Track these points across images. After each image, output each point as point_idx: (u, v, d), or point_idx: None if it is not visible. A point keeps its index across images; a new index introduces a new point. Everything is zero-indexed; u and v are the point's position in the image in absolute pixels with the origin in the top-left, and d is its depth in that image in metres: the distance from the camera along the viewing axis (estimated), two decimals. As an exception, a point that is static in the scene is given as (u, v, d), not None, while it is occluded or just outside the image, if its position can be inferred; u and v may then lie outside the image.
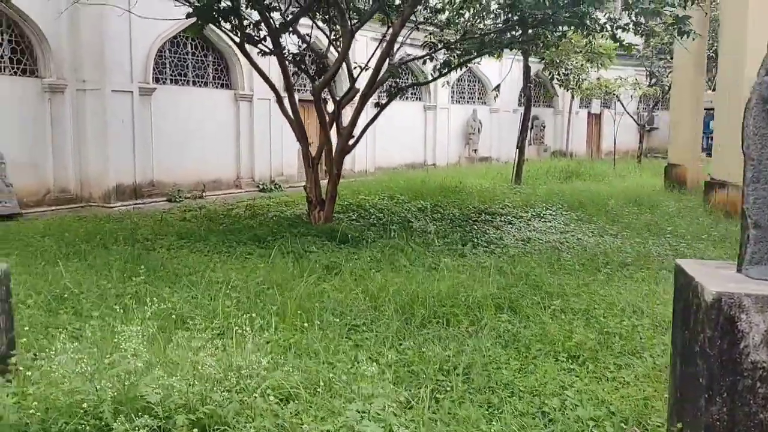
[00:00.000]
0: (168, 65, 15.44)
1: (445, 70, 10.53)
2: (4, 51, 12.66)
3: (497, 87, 16.62)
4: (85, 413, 3.22)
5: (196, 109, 15.82)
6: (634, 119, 27.05)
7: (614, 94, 23.46)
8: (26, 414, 3.26)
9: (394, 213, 12.52)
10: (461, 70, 14.95)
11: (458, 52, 10.37)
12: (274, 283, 6.51)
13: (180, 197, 15.06)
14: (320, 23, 11.58)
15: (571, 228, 10.96)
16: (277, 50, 10.00)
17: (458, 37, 10.43)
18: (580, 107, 30.52)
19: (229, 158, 16.99)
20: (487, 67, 23.94)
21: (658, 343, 4.72)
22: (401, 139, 22.84)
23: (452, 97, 25.55)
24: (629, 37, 10.50)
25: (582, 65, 18.91)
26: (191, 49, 16.02)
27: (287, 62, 10.46)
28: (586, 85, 19.24)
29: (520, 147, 18.17)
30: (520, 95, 28.50)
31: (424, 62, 10.99)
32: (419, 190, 15.73)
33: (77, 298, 5.76)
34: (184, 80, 15.89)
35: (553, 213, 12.67)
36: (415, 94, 23.75)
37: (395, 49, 10.58)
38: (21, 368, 3.98)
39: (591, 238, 9.86)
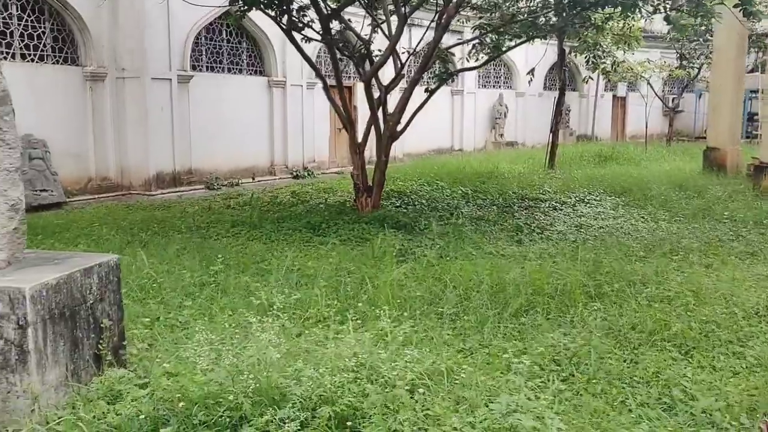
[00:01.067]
0: (204, 52, 15.41)
1: (495, 55, 10.43)
2: (46, 40, 12.66)
3: (532, 71, 16.43)
4: (221, 405, 3.23)
5: (231, 97, 15.80)
6: (663, 102, 26.73)
7: (643, 77, 23.14)
8: (164, 407, 3.28)
9: (436, 199, 12.48)
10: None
11: (508, 36, 10.25)
12: (347, 270, 6.51)
13: (217, 185, 15.08)
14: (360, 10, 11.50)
15: (621, 213, 10.88)
16: (327, 37, 9.93)
17: (506, 21, 10.28)
18: (605, 90, 30.21)
19: (263, 145, 16.99)
20: (513, 50, 23.73)
21: (759, 332, 4.68)
22: (429, 125, 22.71)
23: (478, 81, 25.36)
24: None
25: (610, 48, 18.65)
26: (226, 36, 15.97)
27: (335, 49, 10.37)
28: (622, 67, 19.00)
29: (554, 131, 18.01)
30: (545, 79, 28.35)
31: (474, 47, 10.89)
32: (455, 175, 15.67)
33: (159, 287, 5.78)
34: (220, 67, 15.86)
35: (597, 198, 12.57)
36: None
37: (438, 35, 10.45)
38: (139, 359, 4.01)
39: (645, 224, 9.79)
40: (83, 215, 10.71)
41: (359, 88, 20.07)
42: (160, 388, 3.42)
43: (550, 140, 18.26)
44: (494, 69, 26.52)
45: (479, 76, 25.22)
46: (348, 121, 10.82)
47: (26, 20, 12.29)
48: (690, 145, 27.65)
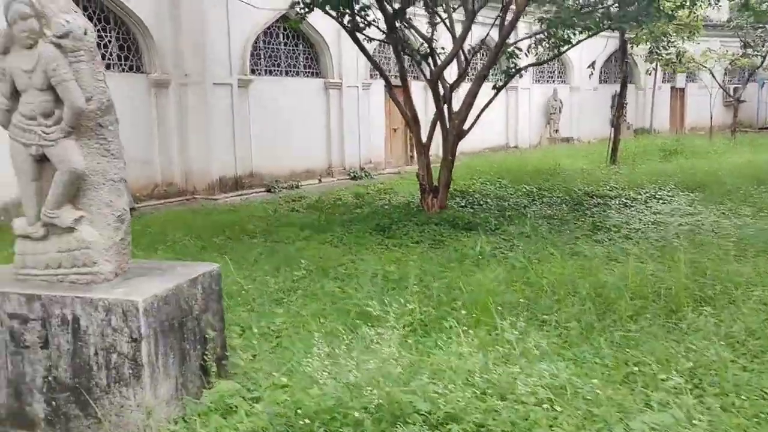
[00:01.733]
0: (262, 56, 15.48)
1: (564, 48, 10.15)
2: (112, 48, 12.88)
3: (592, 64, 16.02)
4: (339, 421, 3.12)
5: (288, 99, 15.83)
6: (726, 92, 25.77)
7: (705, 67, 22.33)
8: (281, 422, 3.18)
9: (501, 198, 12.23)
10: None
11: (578, 29, 9.95)
12: (432, 274, 6.37)
13: (278, 187, 15.12)
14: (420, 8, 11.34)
15: (698, 210, 10.44)
16: (393, 35, 9.80)
17: (574, 13, 9.98)
18: (663, 82, 29.33)
19: (321, 147, 16.99)
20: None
21: None
22: (483, 122, 22.36)
23: (533, 76, 24.90)
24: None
25: (674, 38, 18.02)
26: (283, 39, 16.02)
27: (400, 49, 10.22)
28: (686, 57, 18.36)
29: (616, 125, 17.52)
30: (600, 72, 27.65)
31: (539, 43, 10.63)
32: (515, 173, 15.39)
33: (246, 294, 5.73)
34: (278, 70, 15.91)
35: (670, 194, 12.14)
36: (495, 74, 23.22)
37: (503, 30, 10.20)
38: (244, 371, 3.94)
39: (728, 221, 9.35)
40: (154, 221, 10.83)
41: (414, 87, 19.96)
42: (274, 402, 3.33)
43: (612, 135, 17.77)
44: (548, 64, 26.00)
45: (534, 71, 24.76)
46: (413, 121, 10.64)
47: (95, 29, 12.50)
48: (755, 135, 26.64)
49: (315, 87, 16.76)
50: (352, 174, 17.34)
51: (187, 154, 13.95)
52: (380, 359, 3.26)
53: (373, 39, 10.82)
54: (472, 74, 11.43)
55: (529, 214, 10.28)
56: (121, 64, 13.09)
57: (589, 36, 10.14)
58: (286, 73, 16.16)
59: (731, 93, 26.76)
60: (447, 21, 10.69)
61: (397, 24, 10.03)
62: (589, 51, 19.17)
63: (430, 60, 10.94)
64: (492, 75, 11.09)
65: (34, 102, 3.54)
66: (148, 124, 13.41)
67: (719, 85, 23.98)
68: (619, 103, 17.22)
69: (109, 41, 12.84)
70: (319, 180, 16.49)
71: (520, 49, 10.54)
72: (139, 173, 13.13)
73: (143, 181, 13.34)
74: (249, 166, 14.90)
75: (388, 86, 10.83)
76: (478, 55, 14.16)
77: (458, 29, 10.91)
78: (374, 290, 5.64)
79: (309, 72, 16.77)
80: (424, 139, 10.94)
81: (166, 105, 13.65)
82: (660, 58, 16.68)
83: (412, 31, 11.36)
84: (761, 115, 31.62)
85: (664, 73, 28.17)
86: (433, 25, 11.20)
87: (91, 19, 12.48)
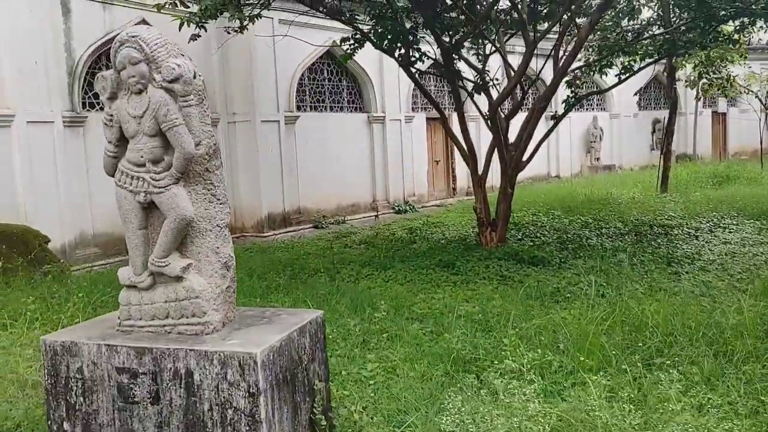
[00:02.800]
0: (307, 92, 15.54)
1: (626, 76, 9.96)
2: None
3: (640, 90, 15.78)
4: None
5: (333, 134, 15.84)
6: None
7: (751, 91, 21.91)
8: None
9: (558, 230, 11.95)
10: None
11: (639, 55, 9.76)
12: (510, 313, 6.12)
13: (325, 223, 15.06)
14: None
15: (770, 238, 10.05)
16: (450, 69, 9.71)
17: (633, 40, 9.81)
18: (704, 107, 28.86)
19: (365, 181, 16.91)
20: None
21: None
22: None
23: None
24: None
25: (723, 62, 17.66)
26: (327, 75, 16.09)
27: (457, 81, 10.12)
28: (735, 81, 17.97)
29: (665, 152, 17.17)
30: (640, 98, 27.32)
31: (597, 70, 10.45)
32: (566, 203, 15.10)
33: (328, 338, 5.53)
34: (322, 106, 15.95)
35: (734, 222, 11.74)
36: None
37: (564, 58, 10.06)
38: (359, 426, 3.74)
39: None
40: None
41: (454, 119, 19.88)
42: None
43: (661, 162, 17.41)
44: (586, 91, 25.80)
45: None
46: (470, 153, 10.48)
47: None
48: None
49: (359, 121, 16.76)
50: (396, 208, 17.21)
51: (236, 191, 13.93)
52: (524, 415, 3.03)
53: (427, 72, 10.74)
54: (525, 105, 11.26)
55: (593, 247, 9.99)
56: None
57: (651, 63, 9.95)
58: (331, 109, 16.19)
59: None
60: (500, 51, 10.57)
61: (453, 57, 9.92)
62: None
63: (481, 92, 10.84)
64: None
65: (144, 148, 3.45)
66: (199, 162, 13.44)
67: (765, 108, 23.46)
68: (668, 130, 16.89)
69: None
70: (363, 214, 16.38)
71: (580, 78, 10.38)
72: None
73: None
74: (296, 201, 14.86)
75: (443, 119, 10.68)
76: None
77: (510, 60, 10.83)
78: (464, 332, 5.40)
79: (353, 106, 16.79)
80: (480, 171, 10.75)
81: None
82: (711, 82, 16.34)
83: (463, 63, 11.28)
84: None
85: (705, 99, 27.72)
86: (485, 56, 11.09)
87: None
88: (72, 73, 11.02)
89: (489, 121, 9.90)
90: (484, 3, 9.66)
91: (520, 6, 9.21)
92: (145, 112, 3.41)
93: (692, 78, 17.40)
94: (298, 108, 15.11)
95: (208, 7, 7.79)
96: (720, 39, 9.55)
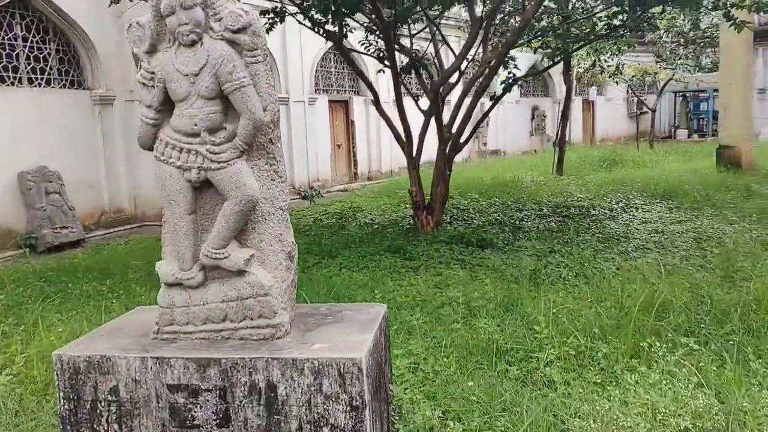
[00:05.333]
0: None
1: (558, 59, 10.06)
2: (52, 62, 11.52)
3: (518, 79, 16.20)
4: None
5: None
6: (645, 105, 27.17)
7: (623, 80, 23.36)
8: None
9: (482, 212, 11.97)
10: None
11: (567, 39, 9.90)
12: (499, 298, 5.90)
13: (232, 210, 14.14)
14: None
15: (687, 217, 10.61)
16: (390, 46, 9.30)
17: (567, 22, 9.93)
18: (575, 95, 30.53)
19: (270, 165, 16.11)
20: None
21: None
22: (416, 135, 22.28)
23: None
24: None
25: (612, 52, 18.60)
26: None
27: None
28: (631, 71, 19.01)
29: (561, 137, 17.86)
30: (521, 86, 28.32)
31: (535, 51, 10.48)
32: (477, 186, 15.25)
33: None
34: (225, 85, 14.94)
35: (643, 203, 12.34)
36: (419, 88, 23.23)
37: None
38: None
39: (728, 227, 9.52)
40: (117, 253, 9.65)
41: (355, 102, 19.53)
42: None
43: (557, 146, 18.10)
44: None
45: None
46: (406, 136, 10.16)
47: (31, 41, 11.15)
48: (671, 144, 28.25)
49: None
50: (303, 193, 16.57)
51: (136, 177, 12.71)
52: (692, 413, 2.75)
53: (361, 53, 10.26)
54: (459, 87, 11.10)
55: (530, 229, 10.06)
56: (61, 80, 11.74)
57: (580, 47, 10.14)
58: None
59: (641, 105, 28.22)
60: (438, 29, 10.32)
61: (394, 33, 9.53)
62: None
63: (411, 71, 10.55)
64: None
65: (199, 114, 2.79)
66: (93, 144, 12.12)
67: (637, 97, 25.21)
68: (564, 115, 17.54)
69: (49, 54, 11.48)
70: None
71: (514, 59, 10.37)
72: (84, 199, 11.87)
73: (90, 207, 12.03)
74: (202, 188, 13.81)
75: (377, 102, 10.25)
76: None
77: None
78: (467, 320, 5.10)
79: (255, 87, 15.89)
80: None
81: (112, 123, 12.39)
82: (602, 70, 17.16)
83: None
84: (663, 125, 33.67)
85: (576, 87, 29.32)
86: (432, 36, 10.72)
87: (29, 29, 11.13)
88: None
89: (430, 101, 9.61)
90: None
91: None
92: (202, 68, 2.75)
93: (587, 65, 18.14)
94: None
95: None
96: (647, 24, 9.91)
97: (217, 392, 2.76)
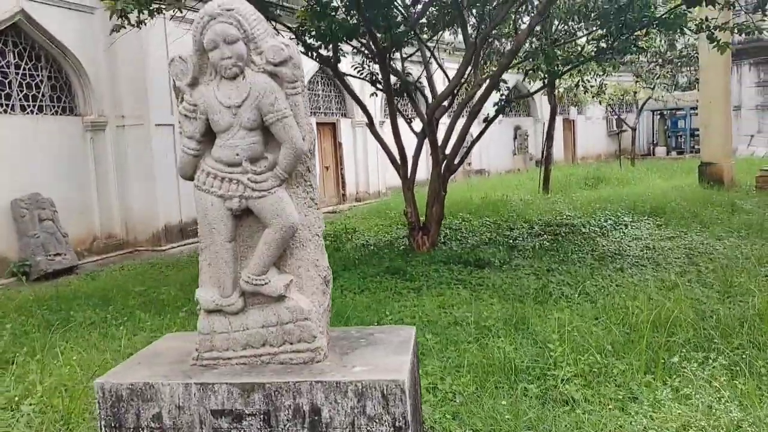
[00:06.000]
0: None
1: (551, 80, 10.29)
2: (44, 89, 11.52)
3: (507, 100, 16.52)
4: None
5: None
6: (626, 123, 27.67)
7: (604, 100, 23.82)
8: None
9: (474, 232, 12.11)
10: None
11: (557, 63, 10.16)
12: (507, 317, 6.00)
13: (224, 233, 14.12)
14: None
15: (676, 233, 10.83)
16: (385, 70, 9.46)
17: (550, 46, 10.19)
18: (557, 114, 31.02)
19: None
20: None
21: None
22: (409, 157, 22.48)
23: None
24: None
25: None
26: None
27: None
28: (612, 90, 19.43)
29: (546, 156, 18.14)
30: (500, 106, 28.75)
31: (527, 73, 10.70)
32: (467, 206, 15.41)
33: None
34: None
35: (632, 220, 12.57)
36: (412, 111, 23.50)
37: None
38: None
39: (717, 242, 9.75)
40: (113, 280, 9.60)
41: (343, 124, 19.69)
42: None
43: (542, 165, 18.38)
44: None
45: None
46: (401, 158, 10.30)
47: (24, 68, 11.15)
48: (651, 162, 28.72)
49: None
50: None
51: (128, 202, 12.69)
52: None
53: (354, 77, 10.40)
54: (452, 109, 11.32)
55: (524, 247, 10.20)
56: (54, 106, 11.73)
57: (570, 69, 10.40)
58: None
59: (621, 124, 28.73)
60: (433, 54, 10.51)
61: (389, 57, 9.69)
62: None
63: (404, 95, 10.72)
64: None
65: (240, 144, 2.87)
66: (85, 170, 12.08)
67: (617, 116, 25.67)
68: (549, 135, 17.85)
69: (41, 81, 11.48)
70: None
71: (505, 81, 10.58)
72: (76, 225, 11.79)
73: (82, 233, 11.96)
74: (192, 212, 13.77)
75: (371, 124, 10.39)
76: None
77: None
78: (480, 340, 5.18)
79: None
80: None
81: (104, 149, 12.39)
82: (586, 89, 17.53)
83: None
84: (641, 143, 34.26)
85: (558, 106, 29.81)
86: (426, 61, 10.91)
87: (21, 56, 11.14)
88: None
89: (425, 124, 9.77)
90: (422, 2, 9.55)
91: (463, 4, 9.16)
92: (244, 100, 2.83)
93: (569, 85, 18.49)
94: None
95: (142, -7, 6.91)
96: (638, 50, 10.23)
97: (261, 416, 2.81)
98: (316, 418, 2.79)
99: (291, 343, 2.98)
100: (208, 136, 2.95)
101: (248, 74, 2.85)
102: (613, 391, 4.07)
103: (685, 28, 10.05)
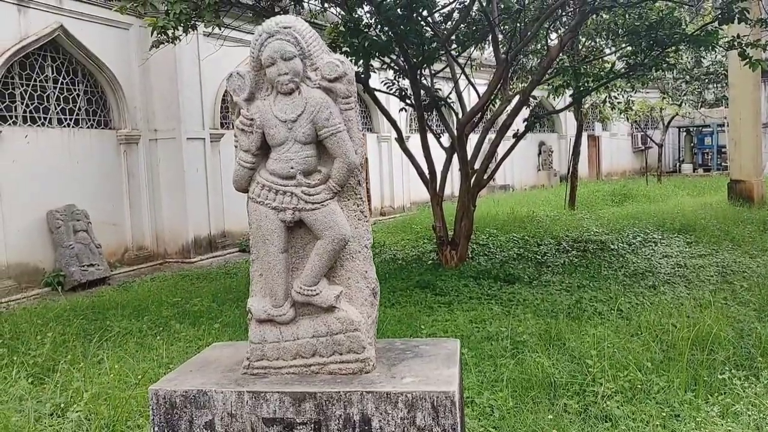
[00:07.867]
0: (228, 109, 14.75)
1: (580, 97, 10.30)
2: (80, 103, 11.79)
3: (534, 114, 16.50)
4: None
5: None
6: (652, 140, 27.50)
7: (632, 116, 23.69)
8: None
9: (502, 248, 12.09)
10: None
11: (589, 78, 10.18)
12: (542, 332, 6.00)
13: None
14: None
15: (707, 251, 10.73)
16: (416, 86, 9.55)
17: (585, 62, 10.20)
18: (583, 130, 30.92)
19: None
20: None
21: None
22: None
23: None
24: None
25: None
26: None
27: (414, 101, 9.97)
28: (638, 107, 19.36)
29: (573, 172, 18.08)
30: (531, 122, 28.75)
31: (555, 89, 10.74)
32: (493, 222, 15.40)
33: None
34: (244, 124, 15.20)
35: (661, 237, 12.47)
36: (439, 125, 23.55)
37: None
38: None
39: (750, 261, 9.65)
40: (146, 290, 9.73)
41: (369, 139, 19.82)
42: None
43: (569, 181, 18.31)
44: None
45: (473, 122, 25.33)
46: (430, 172, 10.35)
47: (61, 83, 11.43)
48: (678, 178, 28.48)
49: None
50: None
51: (158, 214, 12.92)
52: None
53: (384, 92, 10.51)
54: (481, 124, 11.38)
55: (553, 263, 10.17)
56: (89, 120, 11.99)
57: (601, 85, 10.42)
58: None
59: (648, 140, 28.53)
60: (463, 70, 10.58)
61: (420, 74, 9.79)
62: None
63: (433, 110, 10.79)
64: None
65: (295, 158, 2.94)
66: (118, 183, 12.33)
67: (644, 134, 25.51)
68: (575, 151, 17.81)
69: (78, 95, 11.75)
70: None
71: (536, 98, 10.62)
72: (109, 236, 11.99)
73: (114, 245, 12.16)
74: (222, 224, 14.00)
75: (400, 139, 10.47)
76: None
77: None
78: (545, 356, 5.18)
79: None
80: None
81: (137, 162, 12.62)
82: (613, 106, 17.48)
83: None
84: (667, 160, 33.98)
85: (583, 122, 29.72)
86: (456, 78, 11.00)
87: (59, 71, 11.42)
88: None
89: (455, 139, 9.82)
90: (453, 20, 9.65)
91: (495, 21, 9.22)
92: (299, 115, 2.91)
93: (595, 102, 18.46)
94: (222, 125, 14.32)
95: (182, 11, 7.07)
96: (669, 66, 10.22)
97: (312, 425, 2.85)
98: (366, 428, 2.82)
99: (341, 354, 3.02)
100: (263, 149, 3.02)
101: (304, 90, 2.93)
102: (654, 408, 4.05)
103: (717, 45, 10.00)
